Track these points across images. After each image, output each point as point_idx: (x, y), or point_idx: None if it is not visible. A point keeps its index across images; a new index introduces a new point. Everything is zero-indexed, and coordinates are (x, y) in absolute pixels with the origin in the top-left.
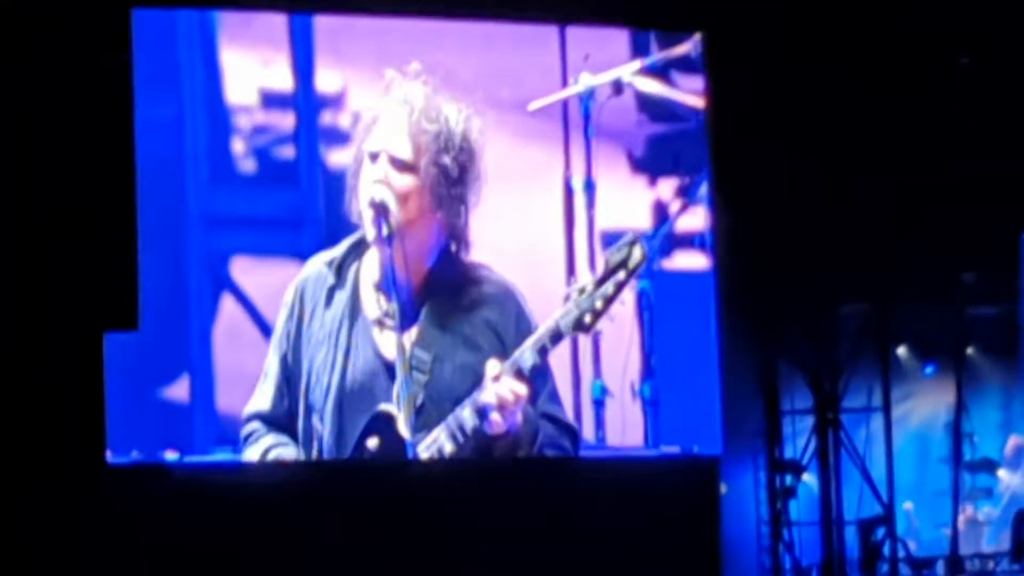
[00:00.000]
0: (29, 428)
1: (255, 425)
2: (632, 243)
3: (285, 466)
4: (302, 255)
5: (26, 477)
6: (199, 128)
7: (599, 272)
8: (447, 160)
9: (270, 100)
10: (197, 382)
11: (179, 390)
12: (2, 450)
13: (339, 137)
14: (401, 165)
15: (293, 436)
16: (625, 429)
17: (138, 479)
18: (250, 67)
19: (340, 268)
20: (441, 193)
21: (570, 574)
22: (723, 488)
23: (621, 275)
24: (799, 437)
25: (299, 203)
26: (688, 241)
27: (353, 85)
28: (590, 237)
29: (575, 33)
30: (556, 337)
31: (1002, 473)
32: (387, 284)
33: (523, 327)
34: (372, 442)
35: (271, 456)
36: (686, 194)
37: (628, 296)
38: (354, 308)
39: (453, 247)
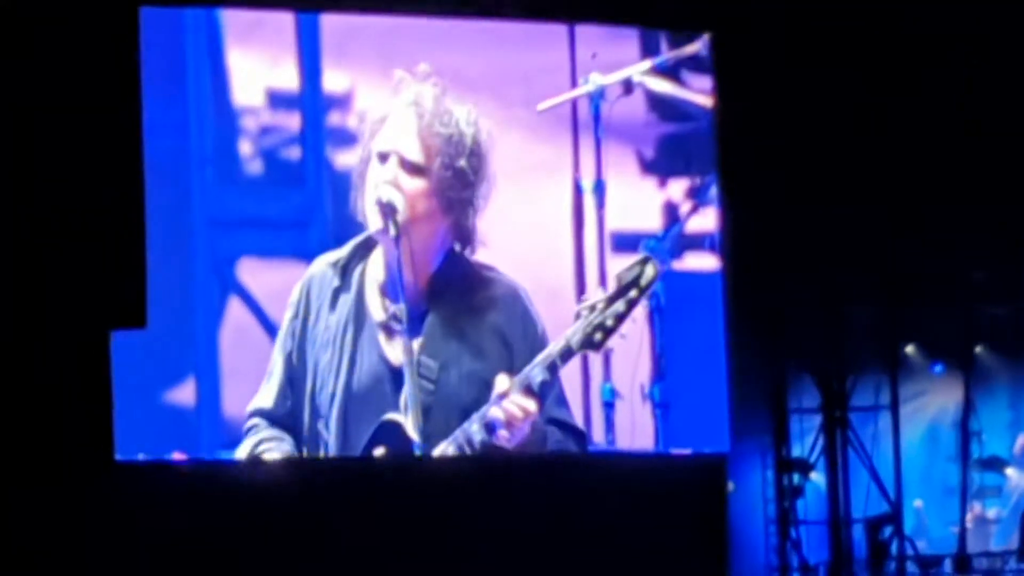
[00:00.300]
0: (32, 428)
1: (256, 420)
2: (644, 261)
3: (291, 464)
4: (309, 256)
5: (31, 475)
6: (205, 129)
7: (610, 289)
8: (460, 164)
9: (277, 101)
10: (203, 384)
11: (185, 392)
12: (7, 449)
13: (346, 138)
14: (412, 168)
15: (293, 434)
16: (635, 432)
17: (145, 476)
18: (257, 68)
19: (345, 270)
20: (451, 196)
21: (576, 572)
22: (731, 486)
23: (633, 293)
24: (807, 436)
25: (306, 204)
26: (698, 242)
27: (360, 86)
28: (600, 238)
29: (584, 32)
30: (567, 354)
31: (1011, 472)
32: (393, 286)
33: (529, 330)
34: (379, 452)
35: (262, 449)
36: (696, 195)
37: (639, 313)
38: (359, 312)
39: (459, 248)
